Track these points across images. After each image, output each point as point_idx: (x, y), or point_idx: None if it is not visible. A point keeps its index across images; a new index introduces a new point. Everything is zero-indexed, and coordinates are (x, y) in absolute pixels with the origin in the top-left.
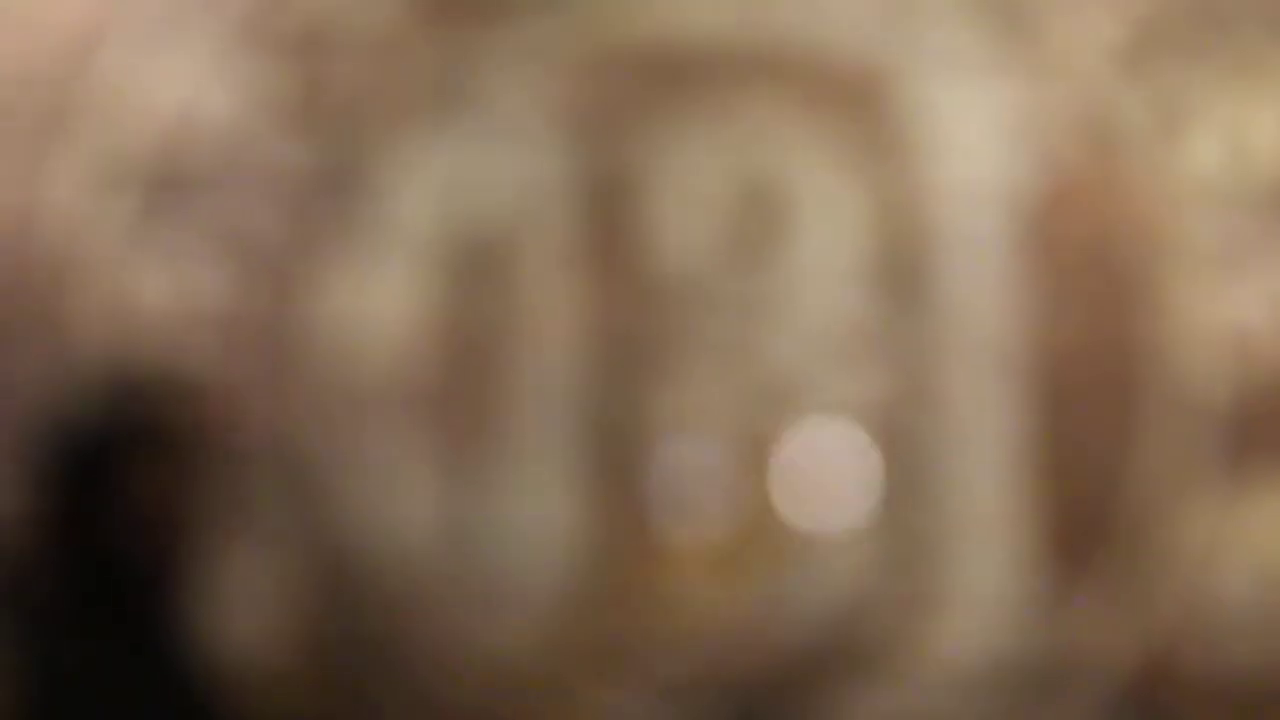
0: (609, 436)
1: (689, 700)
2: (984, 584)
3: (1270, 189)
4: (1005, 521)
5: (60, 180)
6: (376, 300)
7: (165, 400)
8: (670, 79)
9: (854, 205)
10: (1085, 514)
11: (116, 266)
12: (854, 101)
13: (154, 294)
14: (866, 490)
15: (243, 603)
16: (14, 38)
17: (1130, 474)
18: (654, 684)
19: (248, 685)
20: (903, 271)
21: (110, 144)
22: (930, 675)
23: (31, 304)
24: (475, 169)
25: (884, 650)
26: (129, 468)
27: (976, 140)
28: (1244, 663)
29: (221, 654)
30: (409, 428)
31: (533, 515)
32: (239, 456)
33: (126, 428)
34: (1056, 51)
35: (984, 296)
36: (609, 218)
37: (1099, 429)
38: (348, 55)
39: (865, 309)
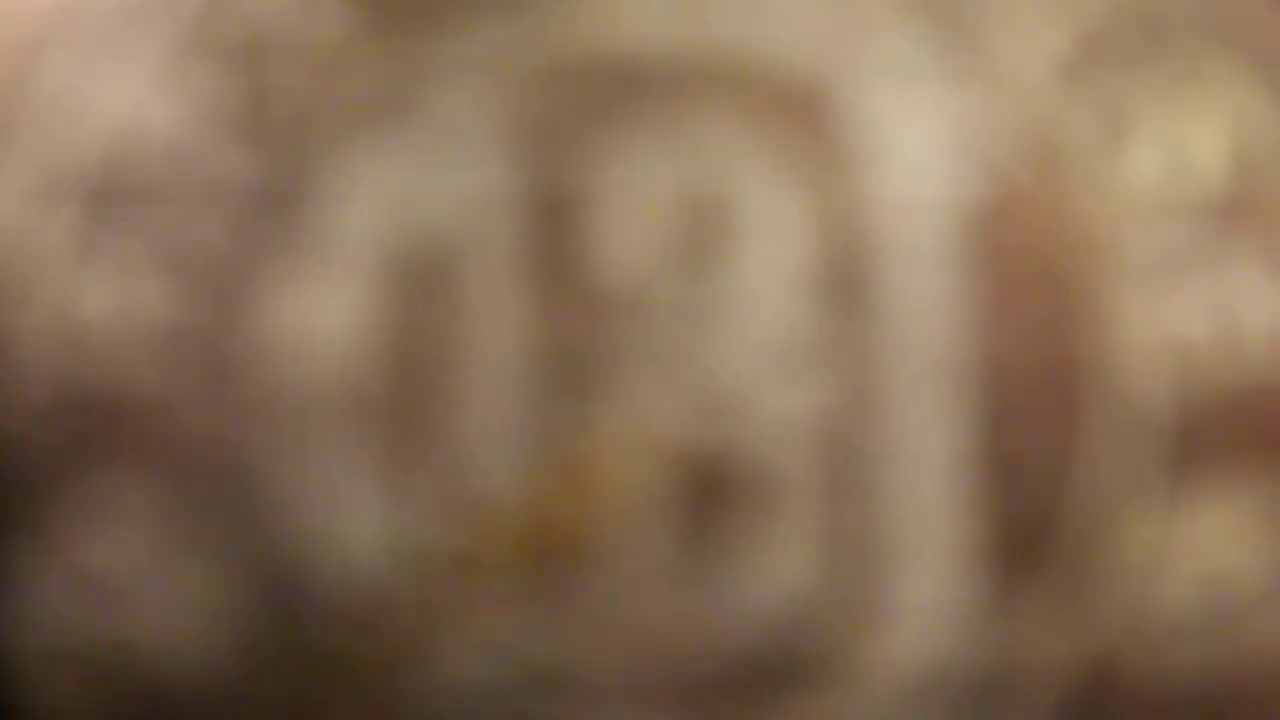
0: (550, 443)
1: (634, 710)
2: (926, 592)
3: (1210, 200)
4: (948, 531)
5: (3, 193)
6: (321, 313)
7: (108, 413)
8: (616, 92)
9: (798, 217)
10: (1028, 523)
11: (60, 279)
12: (798, 114)
13: (98, 306)
14: (808, 498)
15: (185, 616)
16: None
17: (1073, 484)
18: (602, 694)
19: (188, 695)
20: (846, 283)
21: (53, 157)
22: (872, 683)
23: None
24: (421, 181)
25: (825, 658)
26: (68, 480)
27: (920, 153)
28: (1186, 669)
29: (161, 664)
30: (353, 441)
31: (470, 521)
32: (182, 469)
33: (69, 440)
34: (1000, 64)
35: (927, 308)
36: (554, 230)
37: (1042, 439)
38: (294, 66)
39: (809, 320)
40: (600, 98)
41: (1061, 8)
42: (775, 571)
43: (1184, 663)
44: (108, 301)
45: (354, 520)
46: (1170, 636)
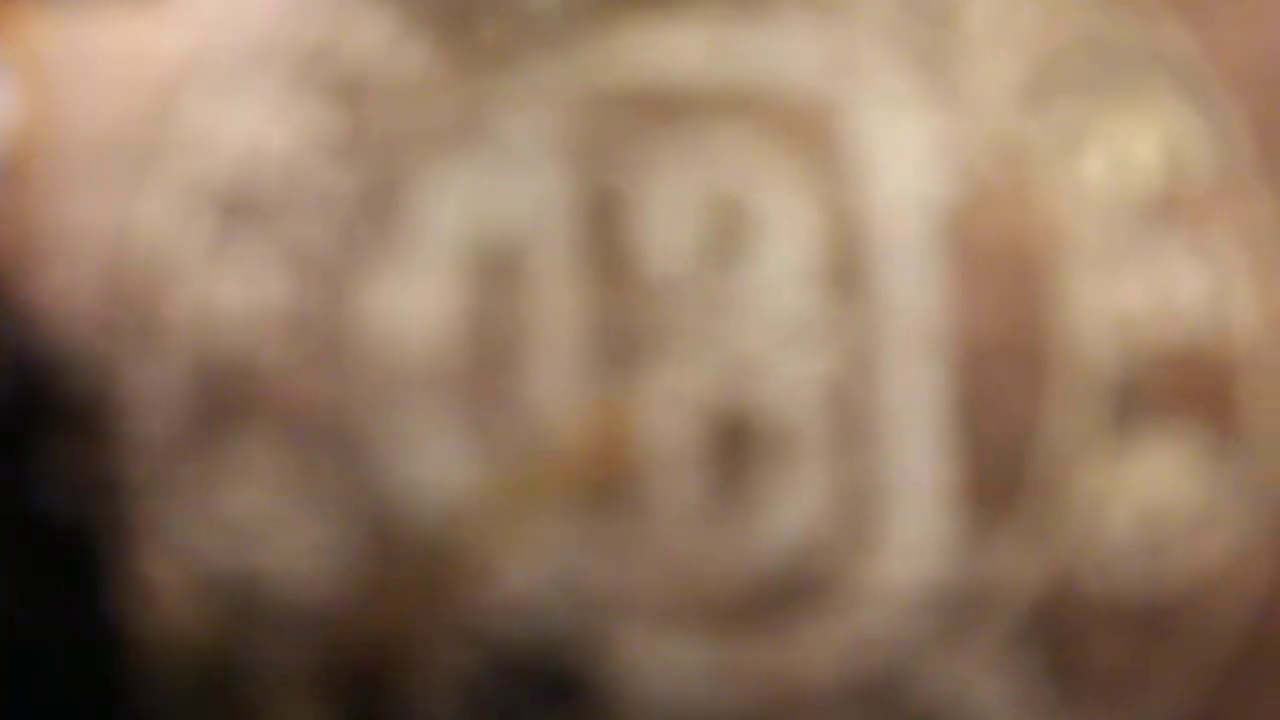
0: (604, 409)
1: (670, 626)
2: (916, 526)
3: (1148, 198)
4: (933, 475)
5: (152, 205)
6: (412, 300)
7: (238, 385)
8: (652, 113)
9: (806, 217)
10: (1000, 468)
11: (198, 276)
12: (806, 131)
13: (229, 297)
14: (816, 449)
15: (301, 550)
16: (115, 86)
17: (1037, 435)
18: (644, 613)
19: (303, 614)
20: (846, 271)
21: (190, 176)
22: (872, 600)
23: (130, 306)
24: (492, 190)
25: (832, 581)
26: (206, 440)
27: (907, 161)
28: (1130, 584)
29: (282, 589)
30: (439, 404)
31: (540, 472)
32: (298, 429)
33: (206, 407)
34: (972, 88)
35: (914, 290)
36: (602, 229)
37: (1010, 398)
38: (386, 98)
39: (816, 302)
40: (639, 119)
41: (1020, 40)
42: (790, 510)
43: (1128, 579)
44: (237, 293)
45: (440, 470)
46: (1117, 558)
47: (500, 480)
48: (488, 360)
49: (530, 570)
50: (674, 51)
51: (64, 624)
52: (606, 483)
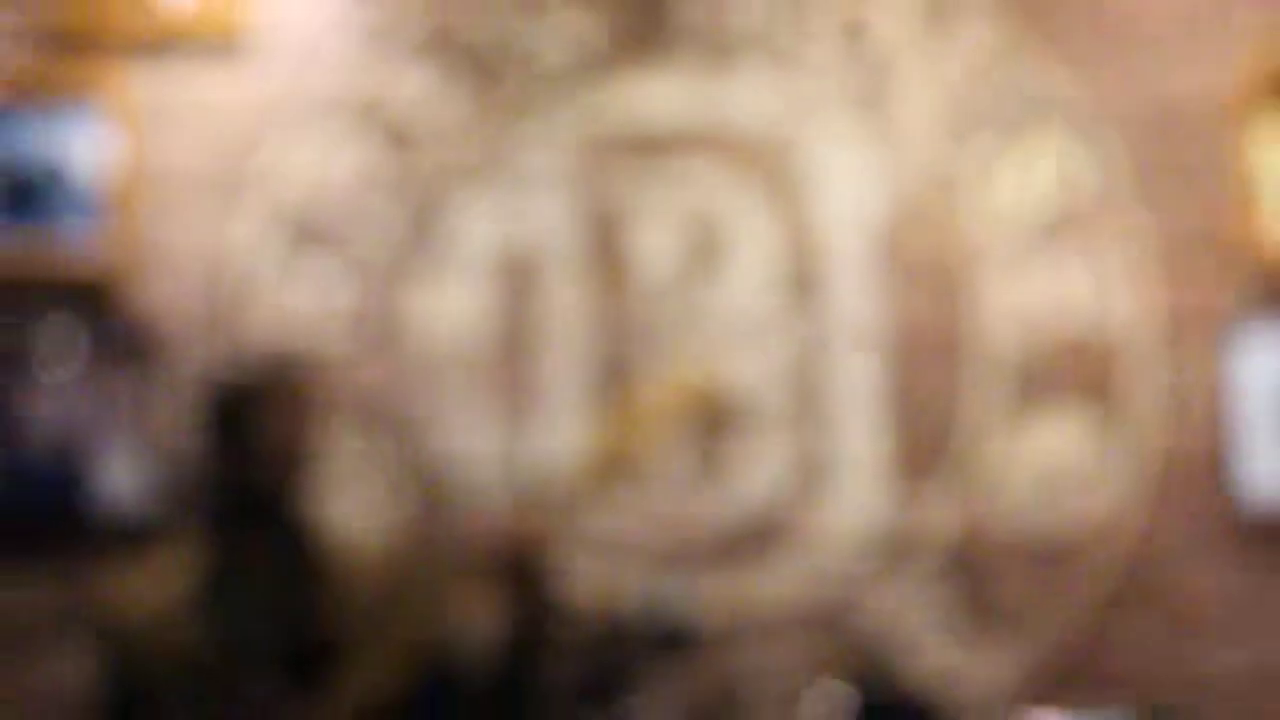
0: (606, 392)
1: (667, 565)
2: (858, 486)
3: (1045, 216)
4: (872, 445)
5: (239, 228)
6: (449, 301)
7: (308, 371)
8: (641, 151)
9: (767, 234)
10: (924, 439)
11: (275, 283)
12: (766, 164)
13: (301, 300)
14: (778, 424)
15: (368, 508)
16: (205, 131)
17: (955, 412)
18: (647, 555)
19: (363, 553)
20: (800, 278)
21: (271, 203)
22: (822, 546)
23: (224, 311)
24: (512, 213)
25: (791, 528)
26: (276, 418)
27: (850, 188)
28: (1029, 532)
29: (350, 536)
30: (473, 389)
31: (555, 441)
32: (361, 410)
33: (280, 391)
34: (903, 126)
35: (855, 294)
36: (602, 244)
37: (933, 382)
38: (428, 139)
39: (776, 304)
40: (630, 155)
41: (943, 88)
42: (758, 472)
43: (1027, 526)
44: (307, 297)
45: (475, 443)
46: (1018, 510)
47: (524, 451)
48: (510, 350)
49: (551, 526)
50: (658, 100)
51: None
52: (612, 454)
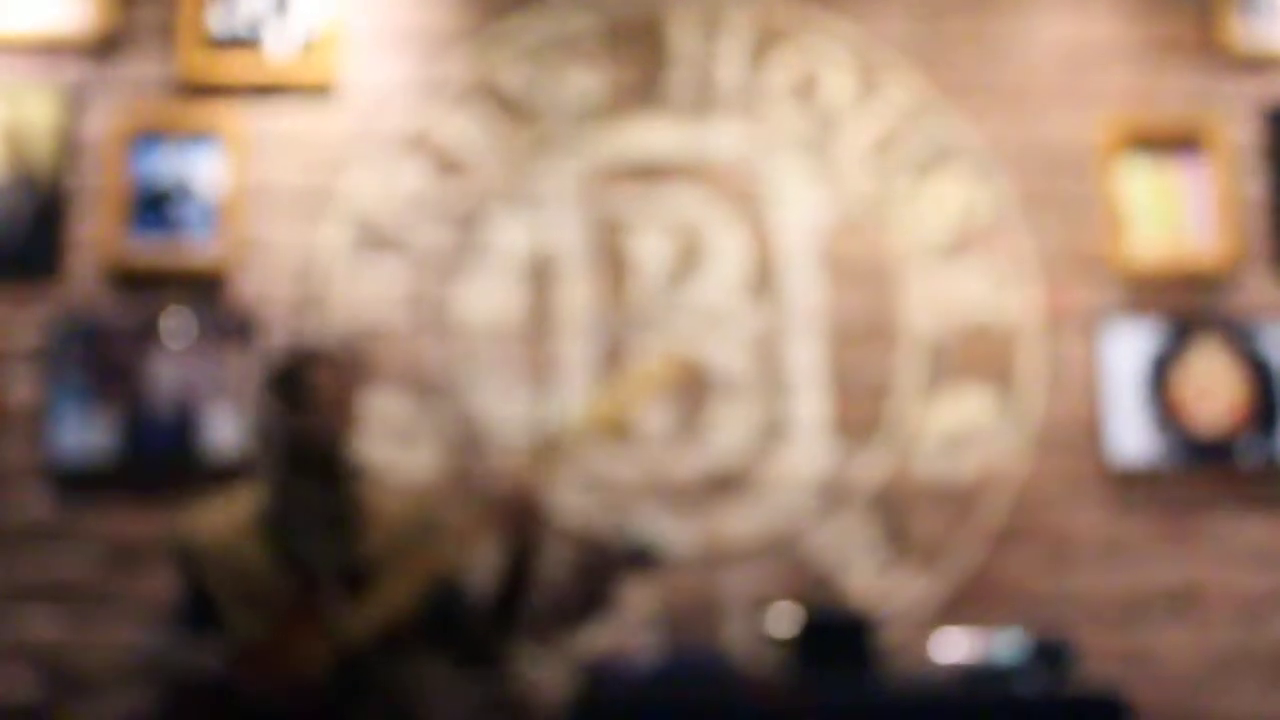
0: (609, 366)
1: (656, 505)
2: (807, 443)
3: (954, 234)
4: (819, 411)
5: (324, 232)
6: (486, 294)
7: (362, 345)
8: (639, 178)
9: (737, 245)
10: (861, 407)
11: (346, 275)
12: (737, 190)
13: (367, 288)
14: (745, 393)
15: (417, 460)
16: (298, 156)
17: (885, 385)
18: (638, 500)
19: (400, 494)
20: (763, 278)
21: (349, 213)
22: (777, 491)
23: (307, 297)
24: (536, 226)
25: (755, 476)
26: (330, 380)
27: (802, 208)
28: (942, 476)
29: (403, 481)
30: (506, 364)
31: (570, 402)
32: (415, 379)
33: (333, 359)
34: (842, 158)
35: (806, 291)
36: (607, 252)
37: (868, 362)
38: (469, 166)
39: (744, 299)
40: (630, 181)
41: (874, 133)
42: (729, 431)
43: (941, 473)
44: (373, 285)
45: (507, 408)
46: (932, 462)
47: (546, 415)
48: (533, 332)
49: (565, 476)
50: (652, 139)
51: (315, 493)
52: (614, 417)
